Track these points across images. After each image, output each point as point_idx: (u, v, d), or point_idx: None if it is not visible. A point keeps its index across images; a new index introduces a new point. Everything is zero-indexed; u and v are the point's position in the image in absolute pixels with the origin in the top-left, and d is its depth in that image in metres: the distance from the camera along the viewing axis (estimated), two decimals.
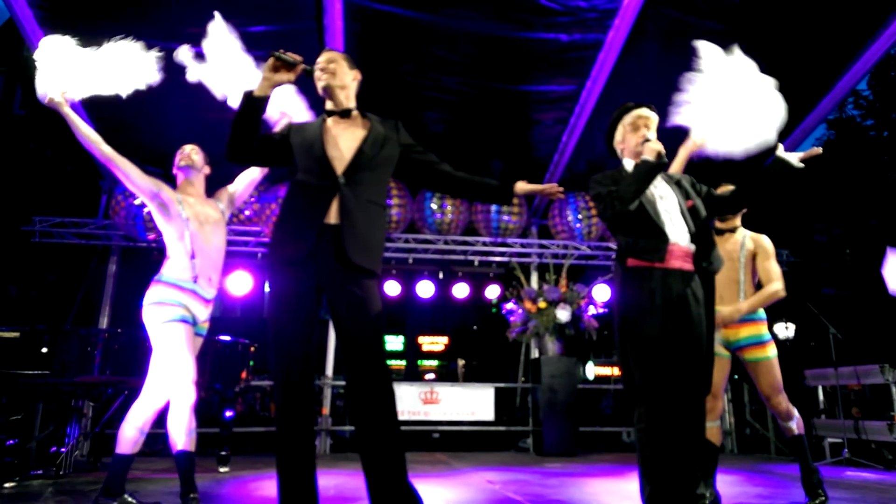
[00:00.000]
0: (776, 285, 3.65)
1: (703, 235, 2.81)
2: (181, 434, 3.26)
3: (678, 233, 2.73)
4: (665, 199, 2.82)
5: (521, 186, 2.84)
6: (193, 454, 3.34)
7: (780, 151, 2.81)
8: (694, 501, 2.56)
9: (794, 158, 2.76)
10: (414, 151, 2.80)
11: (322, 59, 2.75)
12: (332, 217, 2.46)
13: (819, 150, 2.81)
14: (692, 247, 2.75)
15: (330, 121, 2.68)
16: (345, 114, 2.69)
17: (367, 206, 2.52)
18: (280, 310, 2.45)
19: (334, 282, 2.44)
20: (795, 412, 3.68)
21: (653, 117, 2.92)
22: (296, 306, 2.44)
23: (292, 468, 2.37)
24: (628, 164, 2.95)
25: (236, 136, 2.66)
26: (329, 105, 2.72)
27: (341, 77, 2.72)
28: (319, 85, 2.69)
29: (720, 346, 3.63)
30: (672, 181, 2.93)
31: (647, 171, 2.69)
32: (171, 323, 3.32)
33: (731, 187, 2.76)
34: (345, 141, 2.60)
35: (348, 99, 2.73)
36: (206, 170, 3.99)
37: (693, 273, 2.74)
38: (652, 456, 2.53)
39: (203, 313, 3.54)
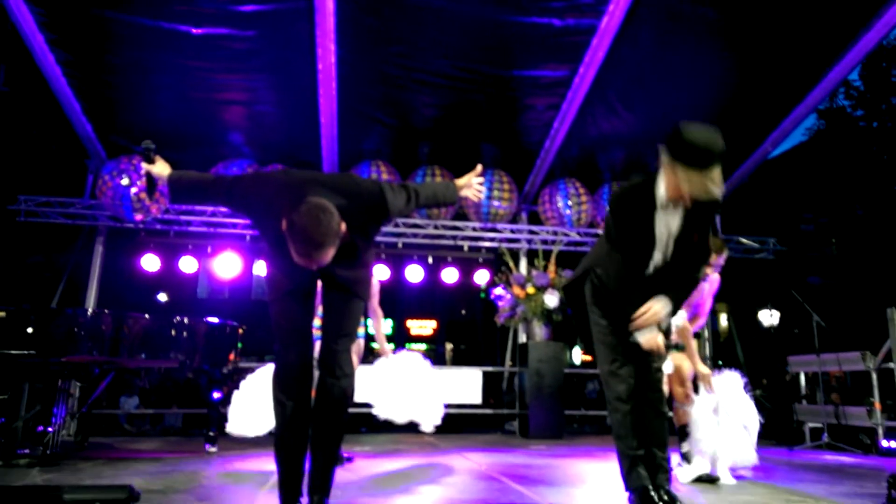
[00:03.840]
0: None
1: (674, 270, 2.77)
2: None
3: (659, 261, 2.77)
4: (667, 241, 2.72)
5: (459, 182, 2.85)
6: None
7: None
8: (665, 469, 2.77)
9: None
10: (391, 217, 2.57)
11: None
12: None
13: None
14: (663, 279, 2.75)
15: None
16: None
17: (347, 265, 2.51)
18: (281, 289, 2.53)
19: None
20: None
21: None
22: (296, 284, 2.52)
23: (292, 446, 2.48)
24: (661, 192, 2.61)
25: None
26: None
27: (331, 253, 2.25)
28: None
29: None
30: (692, 211, 2.63)
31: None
32: None
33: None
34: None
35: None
36: None
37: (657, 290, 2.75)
38: (625, 435, 2.75)
39: None
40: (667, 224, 2.67)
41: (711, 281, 4.10)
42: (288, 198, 2.27)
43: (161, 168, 2.77)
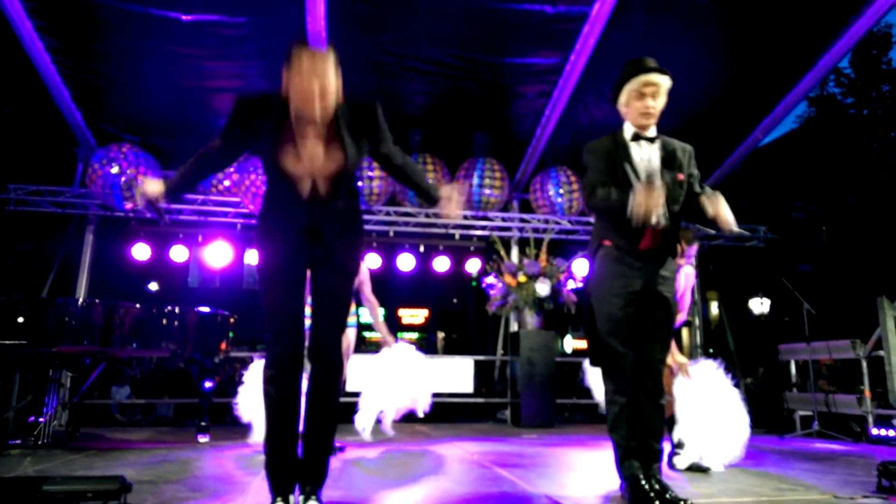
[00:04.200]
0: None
1: (680, 215, 2.87)
2: None
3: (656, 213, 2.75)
4: (653, 178, 2.79)
5: (443, 191, 2.66)
6: None
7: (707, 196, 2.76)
8: (657, 457, 2.78)
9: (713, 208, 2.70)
10: (380, 145, 2.58)
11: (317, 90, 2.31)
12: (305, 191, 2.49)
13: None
14: (664, 223, 2.78)
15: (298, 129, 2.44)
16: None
17: (340, 205, 2.53)
18: (272, 276, 2.51)
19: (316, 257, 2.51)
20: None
21: (663, 84, 2.77)
22: (287, 270, 2.50)
23: (280, 433, 2.46)
24: (627, 130, 2.88)
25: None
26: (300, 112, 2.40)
27: (333, 100, 2.38)
28: (313, 113, 2.34)
29: None
30: (668, 150, 2.86)
31: (616, 211, 2.68)
32: None
33: (706, 201, 2.72)
34: (318, 154, 2.43)
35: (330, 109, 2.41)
36: None
37: (662, 252, 2.80)
38: (620, 426, 2.75)
39: None
40: (646, 157, 2.82)
41: (687, 275, 4.09)
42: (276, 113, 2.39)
43: (154, 187, 2.53)
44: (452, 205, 2.60)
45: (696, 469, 3.73)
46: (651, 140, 2.85)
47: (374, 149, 2.57)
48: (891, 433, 5.74)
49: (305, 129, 2.39)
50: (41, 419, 4.86)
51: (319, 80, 2.29)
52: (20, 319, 4.47)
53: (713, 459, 3.75)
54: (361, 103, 2.51)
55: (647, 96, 2.76)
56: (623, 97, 2.85)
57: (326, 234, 2.48)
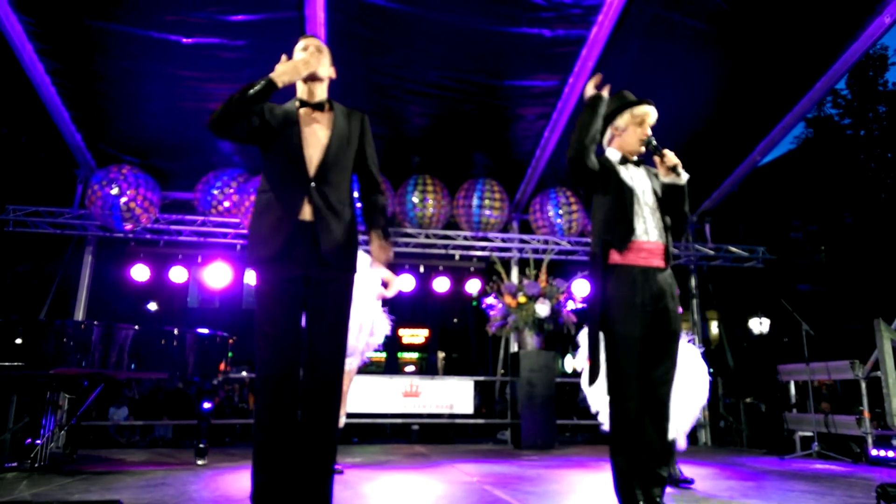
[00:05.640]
0: None
1: (674, 231, 2.95)
2: None
3: (650, 229, 2.82)
4: (645, 193, 2.90)
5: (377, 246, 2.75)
6: None
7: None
8: (660, 482, 2.72)
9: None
10: (363, 158, 2.78)
11: (312, 43, 2.73)
12: (307, 215, 2.50)
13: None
14: (662, 242, 2.84)
15: (302, 111, 2.66)
16: (318, 106, 2.68)
17: (337, 207, 2.56)
18: (268, 303, 2.46)
19: (312, 278, 2.48)
20: None
21: (655, 118, 3.03)
22: (282, 299, 2.46)
23: (271, 462, 2.38)
24: (613, 155, 3.03)
25: (233, 115, 2.48)
26: (303, 93, 2.70)
27: (325, 68, 2.72)
28: (305, 69, 2.61)
29: None
30: (651, 172, 3.04)
31: (590, 112, 2.86)
32: None
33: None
34: (315, 139, 2.60)
35: (323, 92, 2.73)
36: None
37: (665, 269, 2.81)
38: (622, 451, 2.69)
39: None
40: (634, 177, 2.94)
41: None
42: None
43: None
44: (381, 254, 2.71)
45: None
46: (637, 164, 3.03)
47: (359, 154, 2.71)
48: (890, 454, 5.71)
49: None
50: (38, 441, 4.82)
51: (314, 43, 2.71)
52: (18, 341, 4.45)
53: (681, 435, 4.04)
54: (356, 117, 2.77)
55: (646, 124, 2.99)
56: (621, 122, 3.02)
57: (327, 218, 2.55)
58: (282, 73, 2.53)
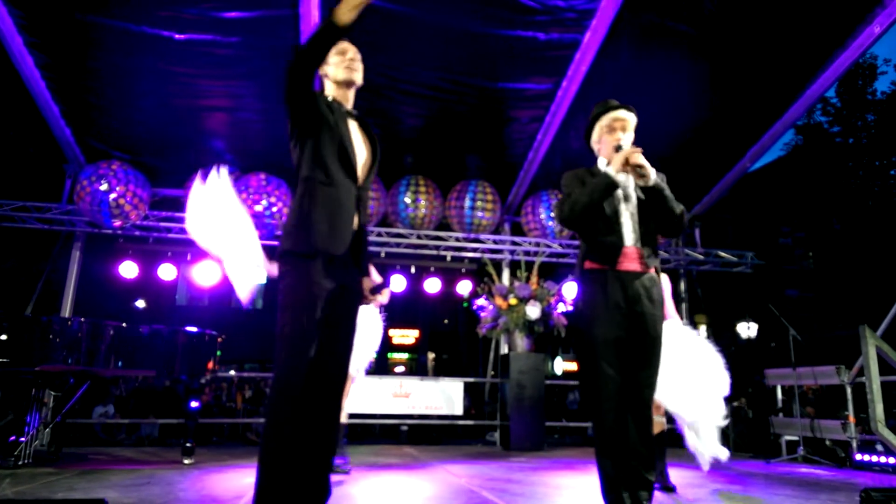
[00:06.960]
0: None
1: (652, 237, 2.94)
2: None
3: (626, 233, 2.86)
4: (629, 202, 2.92)
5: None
6: None
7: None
8: (646, 486, 2.72)
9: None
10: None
11: (354, 52, 2.68)
12: (355, 221, 2.47)
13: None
14: (641, 248, 2.86)
15: (348, 118, 2.59)
16: (351, 113, 2.64)
17: (365, 217, 2.57)
18: (311, 305, 2.29)
19: (347, 286, 2.41)
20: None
21: (630, 119, 2.98)
22: (327, 305, 2.31)
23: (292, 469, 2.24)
24: (601, 164, 3.03)
25: (308, 70, 2.32)
26: (340, 97, 2.62)
27: (360, 75, 2.70)
28: (347, 75, 2.61)
29: None
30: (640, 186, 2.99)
31: (603, 188, 2.80)
32: None
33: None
34: (360, 146, 2.58)
35: (352, 101, 2.70)
36: None
37: (644, 273, 2.84)
38: (608, 454, 2.71)
39: None
40: (623, 185, 2.91)
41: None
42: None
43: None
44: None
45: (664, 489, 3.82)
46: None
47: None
48: (874, 459, 5.76)
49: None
50: (22, 439, 4.77)
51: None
52: (3, 337, 4.42)
53: (700, 423, 4.01)
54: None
55: (616, 130, 2.97)
56: (595, 134, 3.10)
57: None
58: (344, 10, 2.32)
